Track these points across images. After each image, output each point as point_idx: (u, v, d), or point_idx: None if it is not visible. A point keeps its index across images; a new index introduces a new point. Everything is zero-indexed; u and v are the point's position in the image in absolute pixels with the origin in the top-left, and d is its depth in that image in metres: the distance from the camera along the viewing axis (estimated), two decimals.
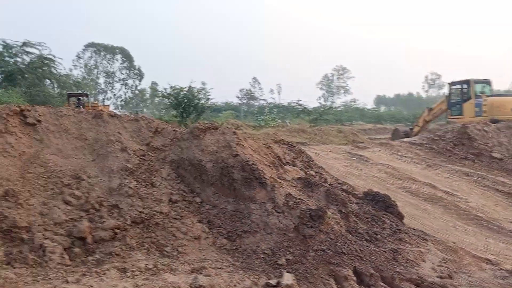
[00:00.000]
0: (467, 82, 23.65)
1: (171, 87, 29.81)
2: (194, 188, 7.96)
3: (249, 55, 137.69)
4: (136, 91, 73.03)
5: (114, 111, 26.04)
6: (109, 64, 65.23)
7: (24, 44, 27.69)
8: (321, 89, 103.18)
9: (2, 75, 26.89)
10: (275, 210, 7.09)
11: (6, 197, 7.03)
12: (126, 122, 9.32)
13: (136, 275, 5.80)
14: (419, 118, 27.68)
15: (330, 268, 6.07)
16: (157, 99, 62.14)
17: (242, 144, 8.34)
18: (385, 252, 6.74)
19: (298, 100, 41.87)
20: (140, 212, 7.39)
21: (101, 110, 28.35)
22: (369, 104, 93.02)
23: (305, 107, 40.19)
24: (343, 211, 7.50)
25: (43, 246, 6.28)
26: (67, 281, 5.48)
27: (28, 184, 7.61)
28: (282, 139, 13.39)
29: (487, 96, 22.40)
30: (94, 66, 64.07)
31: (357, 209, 7.87)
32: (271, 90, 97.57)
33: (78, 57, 63.61)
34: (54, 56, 29.19)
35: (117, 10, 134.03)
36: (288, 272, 5.80)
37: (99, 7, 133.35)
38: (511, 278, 6.36)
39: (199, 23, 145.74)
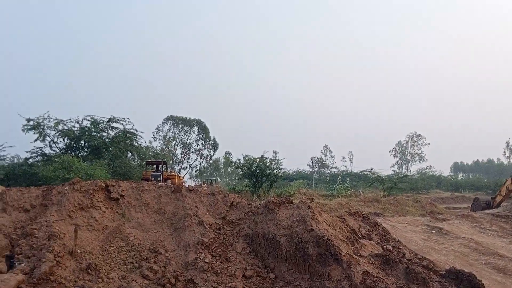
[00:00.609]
0: None
1: (244, 158, 30.48)
2: (268, 263, 7.95)
3: (320, 123, 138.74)
4: (211, 161, 75.16)
5: (189, 180, 26.91)
6: (186, 135, 68.38)
7: (110, 119, 29.65)
8: (395, 156, 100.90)
9: (89, 149, 28.68)
10: None
11: (88, 271, 7.41)
12: (203, 196, 9.68)
13: None
14: (501, 187, 25.83)
15: None
16: (230, 168, 63.44)
17: (316, 219, 8.32)
18: None
19: (371, 169, 41.02)
20: (214, 287, 7.47)
21: (177, 178, 29.51)
22: (446, 171, 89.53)
23: (378, 176, 39.32)
24: None
25: None
26: None
27: (109, 258, 7.99)
28: (357, 211, 13.19)
29: None
30: (172, 138, 67.30)
31: None
32: (343, 158, 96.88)
33: (158, 129, 67.39)
34: (137, 130, 30.90)
35: (194, 86, 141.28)
36: None
37: (178, 84, 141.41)
38: None
39: (269, 94, 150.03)
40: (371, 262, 7.91)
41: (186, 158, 69.59)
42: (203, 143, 69.62)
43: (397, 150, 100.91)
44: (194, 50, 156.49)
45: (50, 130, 27.53)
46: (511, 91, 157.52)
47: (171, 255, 8.38)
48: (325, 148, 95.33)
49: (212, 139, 69.59)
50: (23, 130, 26.73)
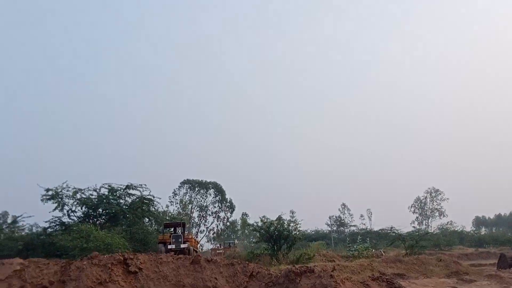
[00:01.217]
0: None
1: (261, 220, 30.22)
2: None
3: (337, 181, 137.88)
4: (228, 223, 74.78)
5: (207, 244, 26.99)
6: (203, 198, 68.57)
7: (127, 187, 29.96)
8: (414, 212, 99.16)
9: (107, 217, 28.83)
10: None
11: None
12: (222, 266, 9.57)
13: None
14: None
15: None
16: (248, 229, 63.00)
17: None
18: None
19: (391, 227, 40.30)
20: None
21: (193, 242, 29.24)
22: (468, 226, 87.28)
23: (399, 234, 38.57)
24: None
25: None
26: None
27: None
28: (380, 275, 12.87)
29: None
30: (188, 202, 67.49)
31: None
32: (361, 216, 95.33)
33: (174, 193, 67.72)
34: (154, 197, 31.12)
35: (209, 149, 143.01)
36: None
37: (193, 148, 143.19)
38: None
39: (284, 153, 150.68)
40: None
41: (203, 221, 69.42)
42: (220, 205, 69.62)
43: (416, 206, 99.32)
44: (207, 115, 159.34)
45: (68, 199, 27.85)
46: None
47: None
48: (343, 206, 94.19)
49: (228, 201, 69.60)
50: (42, 200, 27.09)
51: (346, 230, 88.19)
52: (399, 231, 39.80)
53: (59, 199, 27.44)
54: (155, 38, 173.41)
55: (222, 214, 70.60)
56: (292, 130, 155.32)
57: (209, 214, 69.58)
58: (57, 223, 27.95)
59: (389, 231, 41.63)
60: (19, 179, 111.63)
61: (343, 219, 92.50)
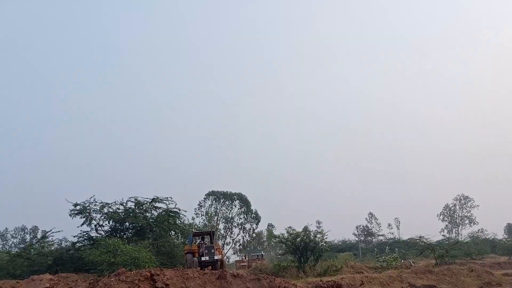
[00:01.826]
0: None
1: (287, 231, 29.99)
2: None
3: (363, 190, 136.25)
4: (254, 235, 74.60)
5: (233, 256, 26.80)
6: (228, 210, 68.61)
7: (153, 200, 30.13)
8: (443, 220, 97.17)
9: (133, 230, 29.02)
10: None
11: None
12: (249, 281, 9.49)
13: None
14: None
15: None
16: (273, 241, 62.70)
17: None
18: None
19: (420, 236, 39.49)
20: None
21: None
22: (500, 234, 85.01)
23: (429, 243, 37.79)
24: None
25: None
26: None
27: None
28: (411, 287, 12.59)
29: None
30: (214, 213, 67.57)
31: None
32: (389, 225, 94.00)
33: (200, 205, 67.92)
34: (179, 209, 31.18)
35: (233, 160, 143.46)
36: None
37: (218, 161, 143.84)
38: None
39: (309, 163, 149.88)
40: None
41: (229, 233, 69.38)
42: (245, 216, 69.49)
43: (445, 213, 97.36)
44: (231, 127, 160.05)
45: (96, 213, 28.16)
46: None
47: None
48: (370, 216, 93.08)
49: (254, 212, 69.45)
50: (70, 215, 27.45)
51: (373, 240, 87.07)
52: (428, 240, 39.02)
53: (87, 214, 27.77)
54: (184, 47, 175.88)
55: (247, 226, 70.49)
56: (321, 141, 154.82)
57: (235, 226, 69.56)
58: (85, 237, 28.26)
59: (418, 240, 40.78)
60: (49, 195, 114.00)
61: (371, 229, 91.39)
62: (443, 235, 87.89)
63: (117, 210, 28.93)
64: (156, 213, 30.57)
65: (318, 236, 29.61)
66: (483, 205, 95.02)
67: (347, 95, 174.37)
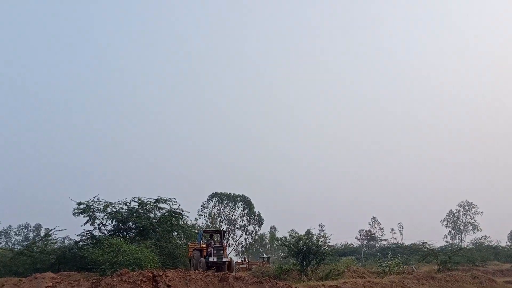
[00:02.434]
0: None
1: (290, 234, 29.90)
2: None
3: (366, 194, 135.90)
4: (256, 237, 74.55)
5: (235, 257, 26.50)
6: (231, 211, 68.66)
7: (157, 200, 30.17)
8: (447, 226, 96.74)
9: (136, 230, 29.02)
10: None
11: None
12: (251, 284, 9.49)
13: None
14: None
15: None
16: (276, 243, 62.69)
17: None
18: None
19: (423, 242, 39.32)
20: None
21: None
22: (503, 241, 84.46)
23: (432, 249, 37.62)
24: None
25: None
26: None
27: None
28: None
29: None
30: (217, 215, 67.66)
31: None
32: (392, 230, 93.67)
33: (203, 206, 68.02)
34: (183, 210, 31.21)
35: (237, 162, 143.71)
36: None
37: (221, 163, 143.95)
38: None
39: (312, 166, 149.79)
40: None
41: (232, 235, 69.39)
42: (248, 218, 69.54)
43: (449, 219, 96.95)
44: (237, 128, 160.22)
45: (99, 212, 28.19)
46: None
47: None
48: (373, 220, 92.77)
49: (257, 214, 69.48)
50: (73, 213, 27.48)
51: (376, 244, 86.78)
52: (431, 246, 38.87)
53: (91, 213, 27.80)
54: (186, 48, 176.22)
55: (250, 228, 70.53)
56: (322, 144, 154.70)
57: (238, 228, 69.61)
58: (88, 236, 28.29)
59: (420, 246, 40.61)
60: (52, 193, 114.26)
61: (374, 233, 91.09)
62: (446, 241, 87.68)
63: (121, 209, 28.98)
64: (159, 214, 30.60)
65: (320, 239, 29.51)
66: (487, 212, 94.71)
67: (351, 100, 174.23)
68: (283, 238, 30.44)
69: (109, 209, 28.37)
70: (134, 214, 28.94)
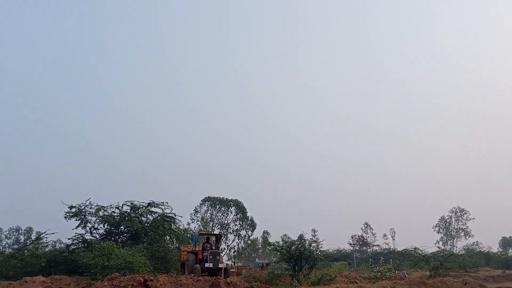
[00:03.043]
0: None
1: (282, 239, 29.85)
2: None
3: (359, 200, 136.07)
4: (249, 242, 74.44)
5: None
6: (224, 216, 68.53)
7: (149, 204, 30.13)
8: (439, 232, 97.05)
9: (128, 234, 28.94)
10: None
11: None
12: None
13: None
14: None
15: None
16: (268, 248, 62.57)
17: None
18: None
19: (415, 248, 39.44)
20: None
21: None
22: (494, 247, 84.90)
23: (423, 255, 37.74)
24: None
25: None
26: None
27: None
28: None
29: None
30: (210, 219, 67.51)
31: None
32: (384, 235, 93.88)
33: (196, 211, 67.85)
34: (175, 215, 31.23)
35: (230, 166, 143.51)
36: None
37: (215, 165, 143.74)
38: None
39: (305, 170, 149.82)
40: None
41: (224, 239, 69.22)
42: (241, 223, 69.45)
43: (441, 225, 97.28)
44: (228, 134, 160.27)
45: (91, 216, 28.11)
46: None
47: None
48: (365, 226, 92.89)
49: (249, 219, 69.41)
50: (65, 217, 27.39)
51: (368, 250, 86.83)
52: (423, 251, 39.00)
53: (82, 217, 27.74)
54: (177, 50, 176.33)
55: (243, 232, 70.42)
56: (314, 148, 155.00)
57: (230, 232, 69.48)
58: (80, 240, 28.20)
59: (412, 251, 40.73)
60: (44, 196, 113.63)
61: (366, 239, 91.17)
62: (438, 247, 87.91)
63: (113, 213, 28.91)
64: (151, 218, 30.56)
65: (313, 245, 29.50)
66: (478, 218, 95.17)
67: (341, 105, 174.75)
68: (275, 243, 30.38)
69: (101, 213, 28.31)
70: (126, 218, 28.88)
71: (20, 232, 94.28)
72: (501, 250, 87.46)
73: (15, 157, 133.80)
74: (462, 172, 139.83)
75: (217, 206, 68.44)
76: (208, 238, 28.26)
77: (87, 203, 28.06)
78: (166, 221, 30.49)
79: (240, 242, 71.35)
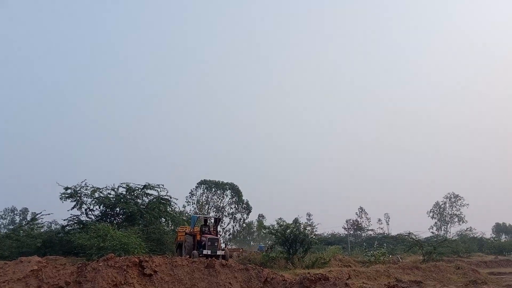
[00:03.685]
0: None
1: (277, 223, 30.00)
2: None
3: (355, 184, 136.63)
4: (244, 225, 74.83)
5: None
6: (219, 199, 68.81)
7: (145, 186, 30.11)
8: (433, 217, 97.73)
9: (124, 216, 28.94)
10: None
11: None
12: (237, 271, 9.51)
13: None
14: None
15: None
16: (263, 231, 62.85)
17: None
18: None
19: (409, 233, 39.80)
20: None
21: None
22: (488, 233, 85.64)
23: (417, 240, 38.06)
24: None
25: None
26: None
27: None
28: (396, 283, 12.70)
29: None
30: (205, 202, 67.76)
31: None
32: (379, 220, 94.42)
33: (191, 194, 68.09)
34: (171, 197, 31.21)
35: (226, 150, 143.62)
36: None
37: (210, 148, 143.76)
38: None
39: (302, 155, 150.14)
40: None
41: (220, 222, 69.49)
42: (236, 206, 69.71)
43: (435, 211, 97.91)
44: (225, 116, 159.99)
45: (86, 198, 28.05)
46: None
47: None
48: (360, 210, 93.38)
49: (245, 202, 69.65)
50: (61, 198, 27.32)
51: (363, 234, 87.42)
52: (417, 236, 39.35)
53: (78, 198, 27.67)
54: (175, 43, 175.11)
55: (238, 216, 70.76)
56: (310, 131, 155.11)
57: (226, 215, 69.79)
58: (75, 221, 28.18)
59: (406, 236, 41.11)
60: (39, 177, 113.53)
61: (360, 223, 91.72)
62: (432, 232, 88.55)
63: (108, 195, 28.85)
64: (147, 200, 30.53)
65: (308, 228, 29.71)
66: (472, 204, 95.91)
67: (341, 93, 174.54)
68: (270, 226, 30.57)
69: (96, 194, 28.22)
70: (122, 200, 28.84)
71: (15, 212, 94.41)
72: (494, 236, 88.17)
73: (11, 138, 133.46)
74: (456, 158, 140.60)
75: (213, 189, 68.64)
76: (206, 221, 27.88)
77: (83, 184, 28.00)
78: (161, 204, 30.50)
79: (235, 225, 71.73)
